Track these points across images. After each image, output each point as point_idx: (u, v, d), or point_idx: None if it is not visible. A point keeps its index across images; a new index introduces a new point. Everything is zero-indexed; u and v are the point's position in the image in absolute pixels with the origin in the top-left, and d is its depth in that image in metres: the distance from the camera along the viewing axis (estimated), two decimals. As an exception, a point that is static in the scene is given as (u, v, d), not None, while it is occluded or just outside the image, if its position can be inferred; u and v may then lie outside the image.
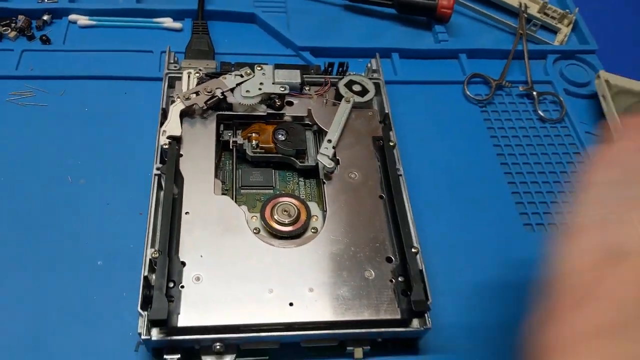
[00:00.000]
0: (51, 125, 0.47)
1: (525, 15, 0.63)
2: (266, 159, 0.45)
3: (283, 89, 0.46)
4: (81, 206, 0.43)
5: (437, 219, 0.46)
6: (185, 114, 0.44)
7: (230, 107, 0.45)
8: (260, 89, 0.46)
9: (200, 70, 0.46)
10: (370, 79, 0.49)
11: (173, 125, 0.42)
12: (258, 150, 0.45)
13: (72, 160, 0.45)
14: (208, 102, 0.44)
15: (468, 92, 0.56)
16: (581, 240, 0.26)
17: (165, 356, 0.35)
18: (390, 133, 0.46)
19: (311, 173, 0.46)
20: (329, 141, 0.44)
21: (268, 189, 0.45)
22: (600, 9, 0.69)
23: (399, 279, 0.38)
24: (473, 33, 0.63)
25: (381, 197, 0.43)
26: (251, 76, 0.46)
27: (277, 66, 0.48)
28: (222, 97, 0.44)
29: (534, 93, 0.57)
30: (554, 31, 0.65)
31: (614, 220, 0.25)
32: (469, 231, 0.46)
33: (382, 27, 0.62)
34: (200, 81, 0.45)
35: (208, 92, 0.44)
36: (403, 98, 0.53)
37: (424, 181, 0.48)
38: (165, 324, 0.34)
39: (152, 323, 0.34)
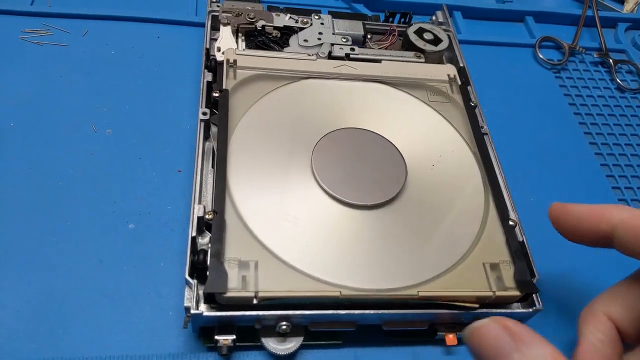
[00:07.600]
0: (73, 67, 0.40)
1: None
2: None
3: (345, 40, 0.40)
4: (108, 159, 0.36)
5: (525, 189, 0.40)
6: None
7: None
8: (319, 39, 0.39)
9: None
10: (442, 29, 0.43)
11: (227, 42, 0.35)
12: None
13: (97, 107, 0.38)
14: (241, 25, 0.37)
15: (541, 56, 0.50)
16: None
17: (216, 337, 0.28)
18: (469, 88, 0.40)
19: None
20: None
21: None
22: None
23: (498, 251, 0.32)
24: (536, -4, 0.57)
25: (467, 157, 0.36)
26: (308, 25, 0.40)
27: (335, 15, 0.42)
28: (259, 29, 0.38)
29: (610, 60, 0.51)
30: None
31: None
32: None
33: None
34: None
35: (250, 18, 0.37)
36: (470, 59, 0.47)
37: (503, 148, 0.41)
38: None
39: (207, 298, 0.27)
